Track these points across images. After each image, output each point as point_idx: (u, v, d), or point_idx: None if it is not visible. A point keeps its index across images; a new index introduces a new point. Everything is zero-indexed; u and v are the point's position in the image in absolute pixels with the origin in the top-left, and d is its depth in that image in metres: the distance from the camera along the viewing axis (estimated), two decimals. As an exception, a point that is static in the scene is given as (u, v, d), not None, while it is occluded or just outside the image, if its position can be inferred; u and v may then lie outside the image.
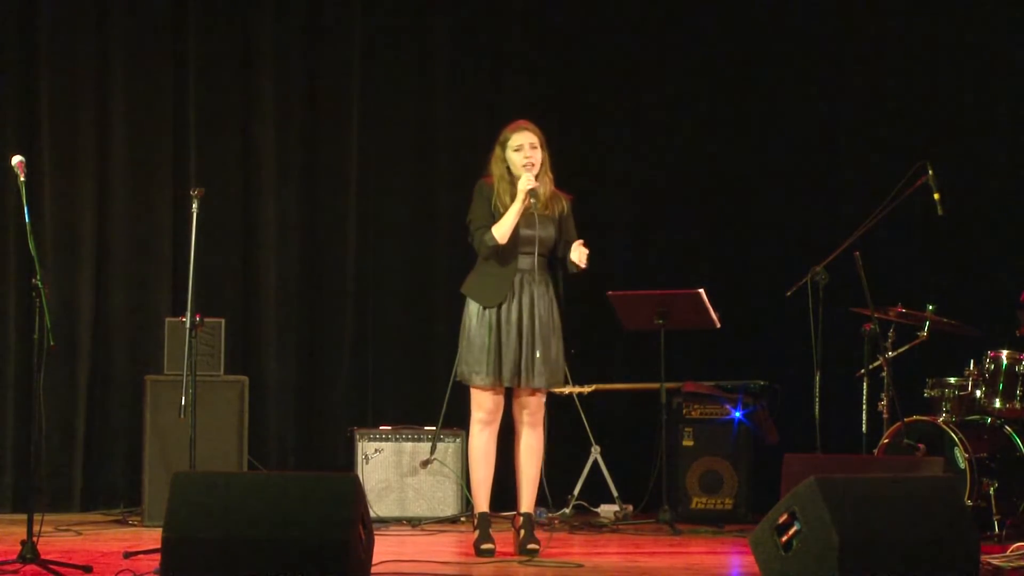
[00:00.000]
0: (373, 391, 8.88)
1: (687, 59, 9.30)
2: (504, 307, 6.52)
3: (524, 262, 6.55)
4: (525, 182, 6.49)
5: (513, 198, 6.52)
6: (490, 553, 6.49)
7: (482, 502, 6.63)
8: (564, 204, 6.69)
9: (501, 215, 6.52)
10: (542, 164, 6.60)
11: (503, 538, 6.91)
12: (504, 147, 6.62)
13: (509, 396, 6.63)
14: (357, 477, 6.12)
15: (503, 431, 6.70)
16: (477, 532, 6.57)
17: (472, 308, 6.59)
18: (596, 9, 9.30)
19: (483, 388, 6.54)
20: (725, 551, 7.04)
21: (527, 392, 6.56)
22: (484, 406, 6.57)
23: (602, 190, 9.26)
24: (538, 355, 6.48)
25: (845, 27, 9.20)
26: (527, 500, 6.62)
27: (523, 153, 6.57)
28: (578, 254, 6.52)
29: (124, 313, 8.51)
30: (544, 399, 6.65)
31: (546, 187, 6.61)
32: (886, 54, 9.10)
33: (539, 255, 6.53)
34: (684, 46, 9.30)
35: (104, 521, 7.87)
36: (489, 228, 6.51)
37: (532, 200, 6.48)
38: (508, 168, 6.60)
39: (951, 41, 8.92)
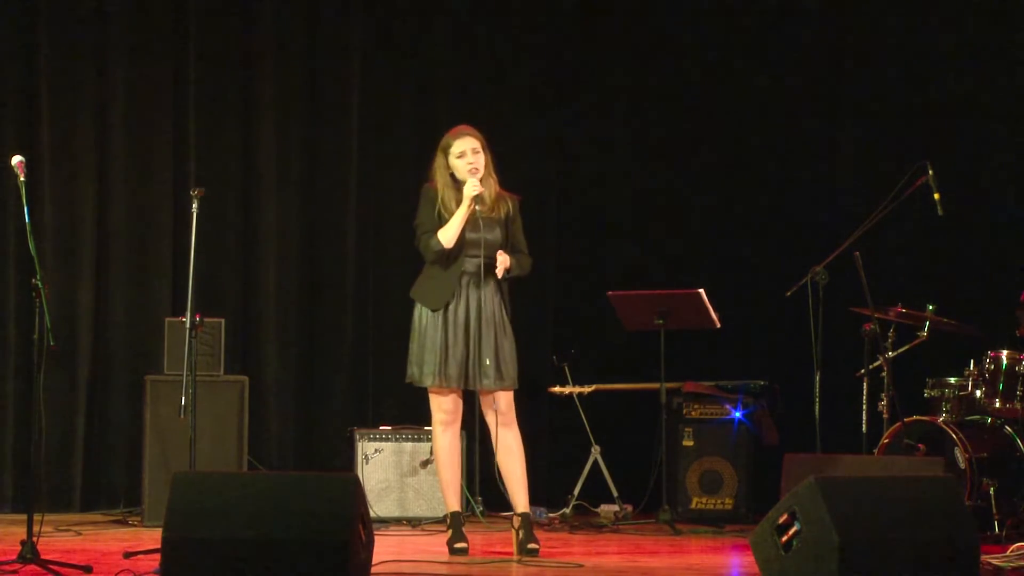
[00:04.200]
0: (373, 391, 8.88)
1: (688, 58, 9.30)
2: (451, 307, 6.57)
3: (470, 265, 6.60)
4: (471, 188, 6.53)
5: (458, 202, 6.57)
6: (463, 552, 6.53)
7: (452, 502, 6.67)
8: (511, 205, 6.73)
9: (446, 219, 6.57)
10: (486, 166, 6.64)
11: (504, 538, 6.92)
12: (447, 154, 6.67)
13: (477, 400, 6.66)
14: (357, 477, 6.12)
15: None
16: (450, 532, 6.61)
17: (421, 311, 6.64)
18: (596, 9, 9.29)
19: (437, 389, 6.58)
20: (725, 551, 7.04)
21: (492, 393, 6.59)
22: (443, 407, 6.62)
23: (602, 190, 9.27)
24: (487, 361, 6.52)
25: (845, 26, 9.20)
26: (520, 500, 6.61)
27: (466, 159, 6.62)
28: (499, 263, 6.56)
29: (124, 313, 8.51)
30: (512, 398, 6.66)
31: (491, 189, 6.65)
32: (886, 54, 9.10)
33: (485, 257, 6.56)
34: (685, 44, 9.30)
35: (104, 521, 7.87)
36: (435, 233, 6.56)
37: (477, 207, 6.53)
38: (452, 175, 6.64)
39: (951, 41, 8.92)
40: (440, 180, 6.66)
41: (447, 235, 6.55)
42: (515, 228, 6.73)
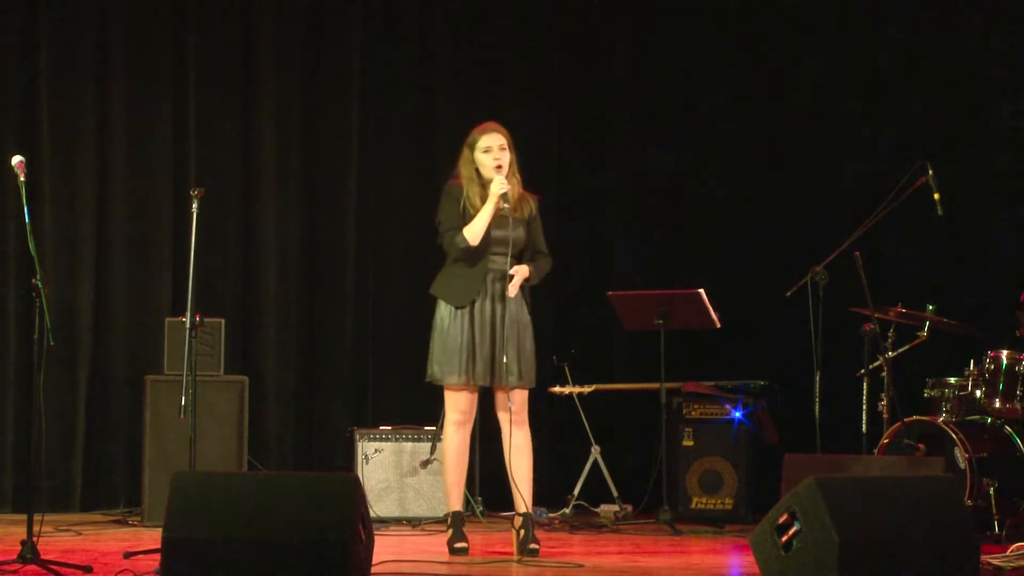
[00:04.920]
0: (373, 391, 8.88)
1: (689, 56, 9.30)
2: (477, 306, 6.55)
3: (496, 262, 6.57)
4: (497, 185, 6.50)
5: (483, 199, 6.54)
6: (463, 552, 6.53)
7: (455, 502, 6.66)
8: (532, 205, 6.72)
9: (471, 216, 6.54)
10: (511, 165, 6.62)
11: (504, 538, 6.91)
12: (473, 148, 6.63)
13: (491, 397, 6.64)
14: (357, 477, 6.12)
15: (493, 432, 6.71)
16: (451, 531, 6.60)
17: (444, 309, 6.60)
18: (597, 7, 9.29)
19: (457, 388, 6.56)
20: (725, 551, 7.04)
21: (508, 391, 6.57)
22: (459, 407, 6.60)
23: (602, 189, 9.27)
24: (509, 357, 6.50)
25: (846, 27, 9.20)
26: (524, 500, 6.60)
27: (492, 155, 6.58)
28: (515, 280, 6.54)
29: (124, 313, 8.51)
30: (526, 396, 6.65)
31: (515, 189, 6.63)
32: (886, 54, 9.10)
33: (511, 256, 6.55)
34: (685, 43, 9.30)
35: (104, 521, 7.87)
36: (460, 230, 6.53)
37: (504, 204, 6.50)
38: (477, 169, 6.62)
39: (951, 41, 8.92)
40: (465, 174, 6.63)
41: (473, 232, 6.51)
42: (535, 227, 6.71)
